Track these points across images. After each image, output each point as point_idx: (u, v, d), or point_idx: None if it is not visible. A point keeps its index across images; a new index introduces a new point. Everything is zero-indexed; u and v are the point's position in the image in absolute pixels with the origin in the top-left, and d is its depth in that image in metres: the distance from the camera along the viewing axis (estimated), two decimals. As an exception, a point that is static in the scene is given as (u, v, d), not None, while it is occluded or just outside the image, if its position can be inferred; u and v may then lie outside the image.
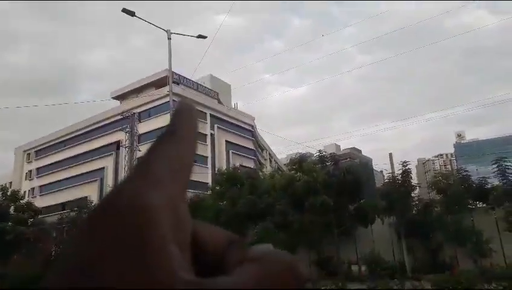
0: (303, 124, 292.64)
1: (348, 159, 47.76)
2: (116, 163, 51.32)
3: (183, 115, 0.37)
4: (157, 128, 44.39)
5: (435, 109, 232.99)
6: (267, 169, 56.64)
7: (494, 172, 21.63)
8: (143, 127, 44.45)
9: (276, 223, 23.58)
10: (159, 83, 49.72)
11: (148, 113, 49.08)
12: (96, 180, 53.13)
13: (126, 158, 38.23)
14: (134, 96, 53.08)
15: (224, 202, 28.54)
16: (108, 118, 53.13)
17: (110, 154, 52.72)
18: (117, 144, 50.03)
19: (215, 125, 53.76)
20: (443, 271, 14.95)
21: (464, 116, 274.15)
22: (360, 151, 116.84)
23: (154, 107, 48.06)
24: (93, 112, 58.49)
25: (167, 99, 27.30)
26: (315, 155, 26.61)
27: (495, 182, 21.59)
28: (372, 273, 18.75)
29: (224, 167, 40.93)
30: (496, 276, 11.70)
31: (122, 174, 40.66)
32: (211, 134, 52.85)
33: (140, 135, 42.01)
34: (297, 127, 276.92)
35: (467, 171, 24.22)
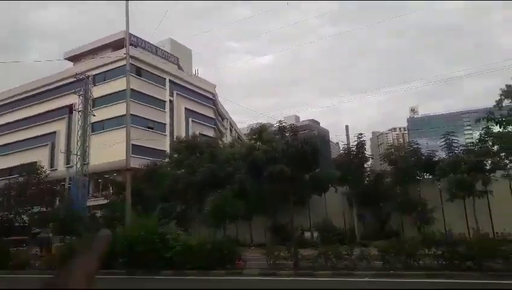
0: (265, 94, 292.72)
1: (307, 131, 48.53)
2: (69, 127, 49.17)
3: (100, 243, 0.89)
4: (114, 92, 42.63)
5: (392, 83, 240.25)
6: (228, 138, 56.51)
7: (441, 146, 22.76)
8: (98, 91, 42.48)
9: (235, 192, 23.78)
10: (116, 45, 47.33)
11: (104, 76, 46.93)
12: (47, 144, 50.79)
13: (79, 122, 36.60)
14: (90, 58, 50.38)
15: (183, 170, 28.30)
16: (61, 80, 50.30)
17: (63, 118, 50.34)
18: (70, 108, 47.71)
19: (175, 92, 52.44)
20: (390, 237, 15.82)
21: (418, 92, 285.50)
22: (318, 123, 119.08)
23: (111, 70, 45.95)
24: (44, 72, 54.88)
25: (124, 62, 26.10)
26: (275, 125, 26.71)
27: (442, 155, 22.75)
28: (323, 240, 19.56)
29: (184, 135, 40.35)
30: (436, 242, 12.51)
31: (75, 139, 39.00)
32: (170, 100, 51.60)
33: (95, 99, 40.16)
34: (259, 97, 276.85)
35: (417, 144, 25.30)
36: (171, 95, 51.95)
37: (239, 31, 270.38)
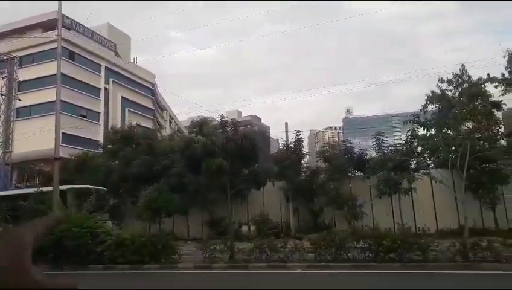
0: (207, 88, 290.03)
1: (248, 126, 48.94)
2: (-10, 112, 44.92)
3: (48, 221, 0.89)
4: (43, 76, 39.62)
5: (329, 84, 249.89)
6: (167, 130, 55.21)
7: (372, 145, 24.11)
8: (24, 74, 39.25)
9: (172, 185, 23.32)
10: (47, 26, 44.00)
11: (32, 58, 43.43)
12: (-37, 130, 46.04)
13: (2, 107, 33.62)
14: (16, 37, 46.29)
15: (117, 162, 27.16)
16: (-20, 59, 45.67)
17: (-18, 102, 45.86)
18: (-9, 90, 43.62)
19: (111, 79, 50.00)
20: (323, 231, 16.47)
21: (353, 93, 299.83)
22: (260, 119, 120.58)
23: (40, 52, 42.62)
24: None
25: (55, 44, 24.24)
26: (216, 120, 26.54)
27: (373, 154, 24.11)
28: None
29: (119, 125, 38.68)
30: (364, 235, 13.21)
31: (-3, 125, 35.69)
32: (105, 88, 49.14)
33: (20, 82, 37.07)
34: (202, 90, 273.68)
35: (350, 143, 26.60)
36: (107, 82, 49.49)
37: (182, 22, 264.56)
